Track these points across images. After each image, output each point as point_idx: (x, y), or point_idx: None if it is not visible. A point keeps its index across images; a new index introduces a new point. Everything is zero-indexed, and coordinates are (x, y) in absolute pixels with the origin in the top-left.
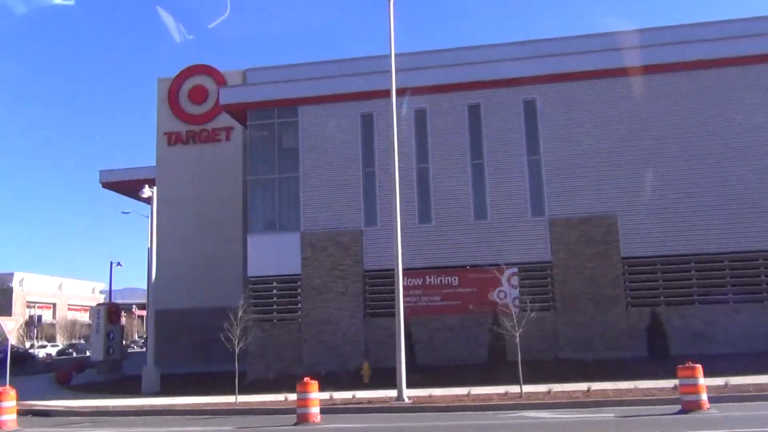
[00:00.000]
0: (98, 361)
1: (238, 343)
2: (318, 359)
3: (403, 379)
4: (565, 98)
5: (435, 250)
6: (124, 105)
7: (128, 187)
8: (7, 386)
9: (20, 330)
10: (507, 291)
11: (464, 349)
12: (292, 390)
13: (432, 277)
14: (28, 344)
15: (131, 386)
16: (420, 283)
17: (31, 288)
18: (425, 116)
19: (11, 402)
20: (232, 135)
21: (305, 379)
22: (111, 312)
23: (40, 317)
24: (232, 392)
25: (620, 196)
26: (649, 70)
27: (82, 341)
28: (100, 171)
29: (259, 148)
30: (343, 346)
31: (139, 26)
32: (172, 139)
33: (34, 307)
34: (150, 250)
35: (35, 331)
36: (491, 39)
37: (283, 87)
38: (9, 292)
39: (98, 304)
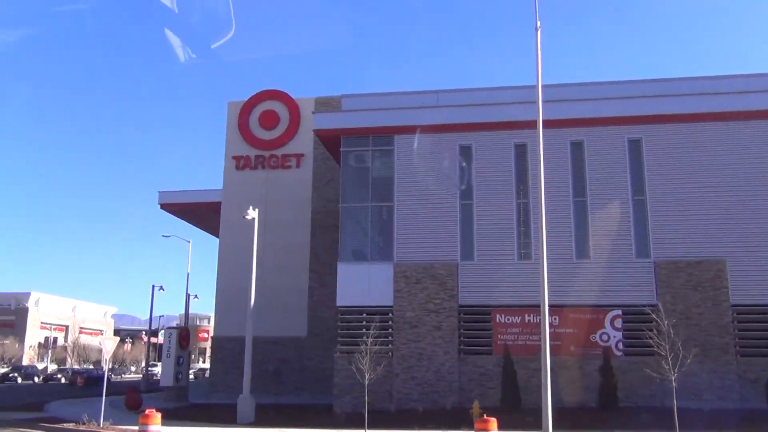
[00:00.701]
0: (167, 387)
1: (367, 374)
2: (410, 395)
3: (549, 423)
4: (671, 139)
5: (535, 287)
6: (184, 128)
7: (187, 209)
8: (153, 409)
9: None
10: (610, 333)
11: (564, 391)
12: (390, 426)
13: (531, 315)
14: (41, 366)
15: (209, 414)
16: (518, 321)
17: (46, 309)
18: (525, 151)
19: (157, 426)
20: (303, 162)
21: (485, 416)
22: (182, 337)
23: (55, 339)
24: (334, 425)
25: (730, 240)
26: (762, 115)
27: (90, 367)
28: (159, 192)
29: (352, 175)
30: (436, 383)
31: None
32: (240, 163)
33: (49, 328)
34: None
35: (50, 354)
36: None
37: (380, 115)
38: (24, 312)
39: (169, 327)
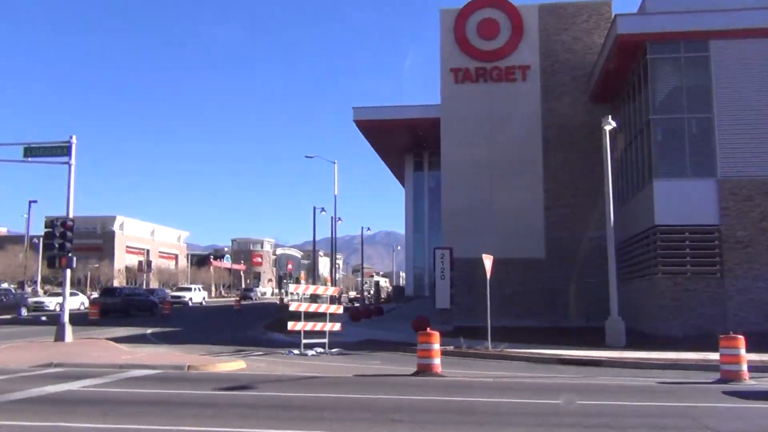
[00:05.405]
0: (444, 309)
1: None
2: (747, 318)
3: None
4: None
5: None
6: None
7: (385, 126)
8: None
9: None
10: None
11: None
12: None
13: None
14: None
15: (524, 335)
16: None
17: (129, 233)
18: None
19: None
20: (529, 75)
21: None
22: (451, 257)
23: (150, 263)
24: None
25: None
26: None
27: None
28: (354, 108)
29: (662, 85)
30: None
31: None
32: (459, 76)
33: (135, 252)
34: (606, 193)
35: (145, 278)
36: None
37: (691, 18)
38: (111, 235)
39: (438, 248)
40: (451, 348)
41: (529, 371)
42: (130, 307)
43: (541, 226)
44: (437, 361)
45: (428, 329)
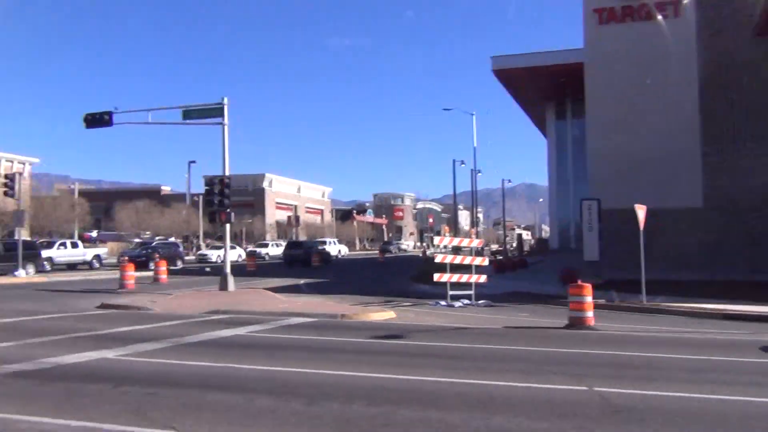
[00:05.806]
0: (593, 262)
1: None
2: None
3: None
4: None
5: None
6: None
7: (524, 74)
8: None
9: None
10: None
11: None
12: None
13: None
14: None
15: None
16: None
17: (277, 189)
18: None
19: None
20: (682, 10)
21: None
22: (599, 208)
23: (298, 218)
24: None
25: None
26: None
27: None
28: (492, 57)
29: None
30: None
31: None
32: (603, 17)
33: (283, 208)
34: None
35: (294, 232)
36: None
37: None
38: (261, 192)
39: (584, 199)
40: (602, 301)
41: (689, 326)
42: (311, 258)
43: (698, 172)
44: (590, 314)
45: (579, 281)
